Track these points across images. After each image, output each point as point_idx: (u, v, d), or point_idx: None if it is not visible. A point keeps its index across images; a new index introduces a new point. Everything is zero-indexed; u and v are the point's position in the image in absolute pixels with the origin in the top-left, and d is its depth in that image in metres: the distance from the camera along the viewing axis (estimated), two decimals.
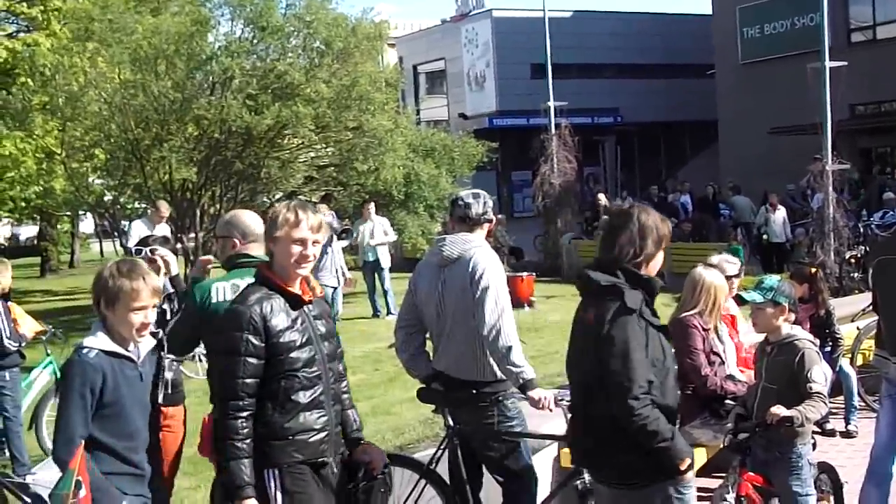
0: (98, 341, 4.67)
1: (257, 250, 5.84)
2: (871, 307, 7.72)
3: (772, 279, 6.49)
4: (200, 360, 12.38)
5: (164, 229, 15.06)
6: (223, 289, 5.71)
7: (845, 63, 21.20)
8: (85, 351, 4.63)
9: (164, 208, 15.88)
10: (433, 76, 54.62)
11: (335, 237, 18.20)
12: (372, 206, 19.18)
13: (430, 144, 22.02)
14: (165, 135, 18.17)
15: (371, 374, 13.77)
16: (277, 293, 4.96)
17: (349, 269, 24.18)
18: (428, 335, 6.69)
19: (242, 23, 19.22)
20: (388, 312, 18.57)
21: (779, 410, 5.90)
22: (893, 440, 6.81)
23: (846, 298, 14.94)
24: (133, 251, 7.01)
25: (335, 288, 16.87)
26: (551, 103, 28.25)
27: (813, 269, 10.61)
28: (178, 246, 18.71)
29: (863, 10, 36.48)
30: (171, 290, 6.72)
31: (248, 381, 4.82)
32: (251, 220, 5.97)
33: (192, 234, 19.47)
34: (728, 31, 40.32)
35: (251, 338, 4.82)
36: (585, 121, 42.29)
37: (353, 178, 20.18)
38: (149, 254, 6.68)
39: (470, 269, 6.23)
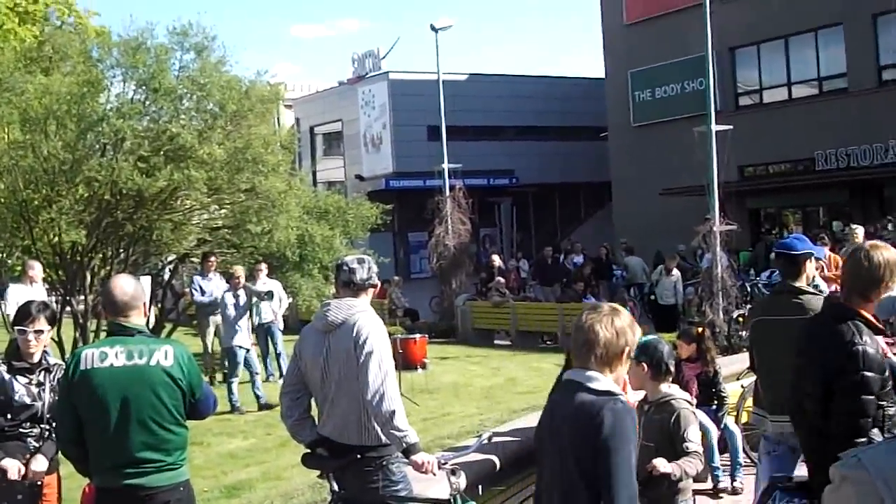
0: (615, 387, 4.32)
1: (136, 318, 5.76)
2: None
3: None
4: None
5: (40, 291, 14.66)
6: (91, 356, 5.60)
7: (731, 127, 21.73)
8: (622, 397, 4.28)
9: (34, 269, 15.31)
10: (330, 137, 54.69)
11: (254, 297, 18.10)
12: (264, 267, 19.03)
13: (324, 206, 22.00)
14: (55, 196, 17.82)
15: (263, 439, 13.62)
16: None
17: None
18: (313, 400, 6.67)
19: (135, 84, 19.02)
20: (281, 375, 18.30)
21: (659, 463, 5.97)
22: None
23: (733, 357, 15.18)
24: (15, 331, 6.77)
25: (248, 349, 16.72)
26: (445, 165, 28.48)
27: (700, 329, 10.81)
28: (68, 309, 18.41)
29: (750, 74, 37.46)
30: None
31: None
32: (118, 292, 5.79)
33: (82, 297, 19.12)
34: (620, 94, 41.10)
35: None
36: (481, 182, 42.81)
37: (247, 240, 19.99)
38: (33, 336, 6.55)
39: (354, 334, 6.24)
